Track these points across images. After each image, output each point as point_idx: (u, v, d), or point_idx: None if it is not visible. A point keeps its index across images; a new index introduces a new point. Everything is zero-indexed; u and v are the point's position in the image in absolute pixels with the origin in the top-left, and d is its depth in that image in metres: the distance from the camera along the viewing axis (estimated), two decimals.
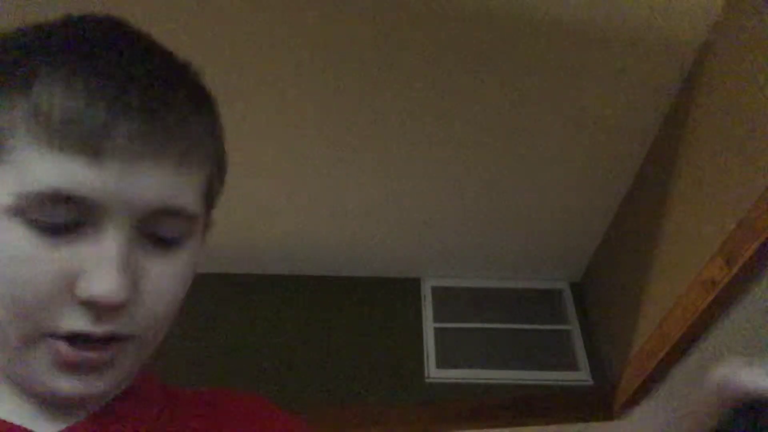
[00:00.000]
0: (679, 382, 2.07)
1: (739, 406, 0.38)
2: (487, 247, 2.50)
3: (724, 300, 1.70)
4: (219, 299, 2.42)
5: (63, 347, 0.44)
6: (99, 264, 0.43)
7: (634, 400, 2.17)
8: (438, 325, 2.50)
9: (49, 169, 0.42)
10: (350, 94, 1.88)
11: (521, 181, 2.21)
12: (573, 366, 2.44)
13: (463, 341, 2.48)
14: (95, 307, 0.44)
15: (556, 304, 2.63)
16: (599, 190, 2.27)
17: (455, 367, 2.40)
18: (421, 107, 1.93)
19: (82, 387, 0.46)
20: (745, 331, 1.83)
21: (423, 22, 1.69)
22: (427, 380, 2.36)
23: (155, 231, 0.46)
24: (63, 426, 0.50)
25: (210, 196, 0.52)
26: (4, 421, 0.49)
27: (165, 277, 0.47)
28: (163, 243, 0.47)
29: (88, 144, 0.42)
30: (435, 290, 2.61)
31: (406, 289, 2.60)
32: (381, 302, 2.56)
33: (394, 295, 2.58)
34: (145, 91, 0.44)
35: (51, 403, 0.50)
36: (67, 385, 0.45)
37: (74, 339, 0.44)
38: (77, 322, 0.44)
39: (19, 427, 0.48)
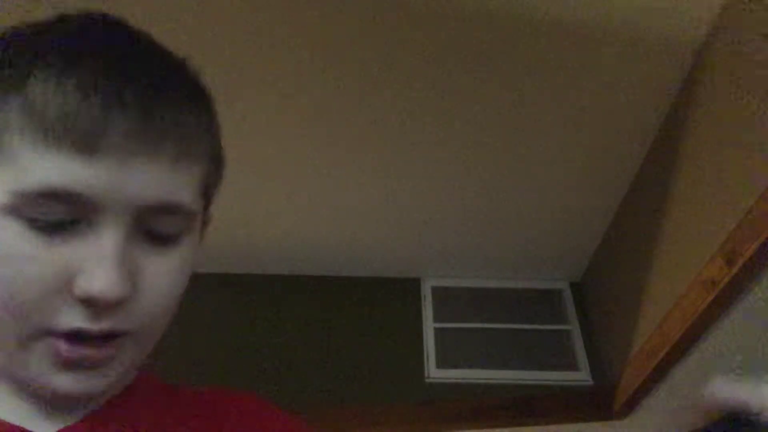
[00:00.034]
0: (679, 382, 2.07)
1: (723, 415, 0.41)
2: (487, 247, 2.50)
3: (724, 300, 1.70)
4: (219, 299, 2.42)
5: (62, 345, 0.44)
6: (96, 261, 0.43)
7: (634, 400, 2.17)
8: (438, 325, 2.50)
9: (44, 167, 0.42)
10: (350, 94, 1.88)
11: (521, 181, 2.21)
12: (573, 366, 2.44)
13: (463, 341, 2.48)
14: (93, 305, 0.44)
15: (556, 304, 2.63)
16: (599, 190, 2.27)
17: (455, 367, 2.40)
18: (421, 107, 1.93)
19: (81, 385, 0.46)
20: (745, 331, 1.83)
21: (423, 22, 1.69)
22: (427, 380, 2.36)
23: (152, 228, 0.46)
24: (61, 425, 0.50)
25: (207, 192, 0.52)
26: (2, 422, 0.49)
27: (162, 273, 0.47)
28: (160, 240, 0.47)
29: (84, 141, 0.42)
30: (435, 290, 2.61)
31: (406, 289, 2.60)
32: (381, 302, 2.55)
33: (394, 295, 2.58)
34: (140, 87, 0.44)
35: (50, 402, 0.50)
36: (66, 382, 0.45)
37: (73, 337, 0.44)
38: (75, 319, 0.44)
39: (17, 427, 0.48)
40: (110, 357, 0.46)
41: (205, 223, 0.55)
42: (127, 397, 0.54)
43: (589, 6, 1.66)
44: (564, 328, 2.54)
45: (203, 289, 2.39)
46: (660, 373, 2.02)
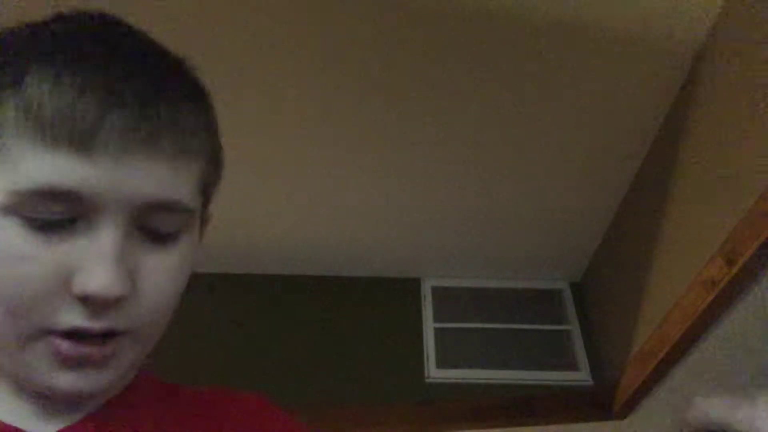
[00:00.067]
0: (679, 382, 2.07)
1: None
2: (487, 247, 2.50)
3: (724, 300, 1.70)
4: (219, 299, 2.42)
5: (61, 344, 0.44)
6: (94, 259, 0.43)
7: (634, 400, 2.17)
8: (438, 325, 2.50)
9: (41, 166, 0.42)
10: (350, 94, 1.88)
11: (521, 181, 2.21)
12: (573, 366, 2.44)
13: (463, 341, 2.48)
14: (92, 303, 0.43)
15: (556, 304, 2.63)
16: (599, 190, 2.27)
17: (455, 367, 2.40)
18: (421, 107, 1.93)
19: (81, 383, 0.46)
20: (745, 331, 1.83)
21: (423, 22, 1.69)
22: (427, 380, 2.36)
23: (151, 225, 0.46)
24: (61, 426, 0.50)
25: (206, 190, 0.52)
26: (1, 423, 0.49)
27: (161, 271, 0.47)
28: (159, 237, 0.47)
29: (80, 139, 0.42)
30: (435, 290, 2.61)
31: (406, 289, 2.60)
32: (381, 302, 2.56)
33: (394, 295, 2.58)
34: (137, 85, 0.44)
35: (50, 402, 0.50)
36: (66, 381, 0.45)
37: (72, 335, 0.44)
38: (75, 318, 0.44)
39: (15, 428, 0.48)
40: (110, 355, 0.46)
41: (204, 222, 0.55)
42: (127, 398, 0.54)
43: (589, 6, 1.66)
44: (564, 328, 2.54)
45: (203, 289, 2.40)
46: (660, 373, 2.02)
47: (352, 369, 2.35)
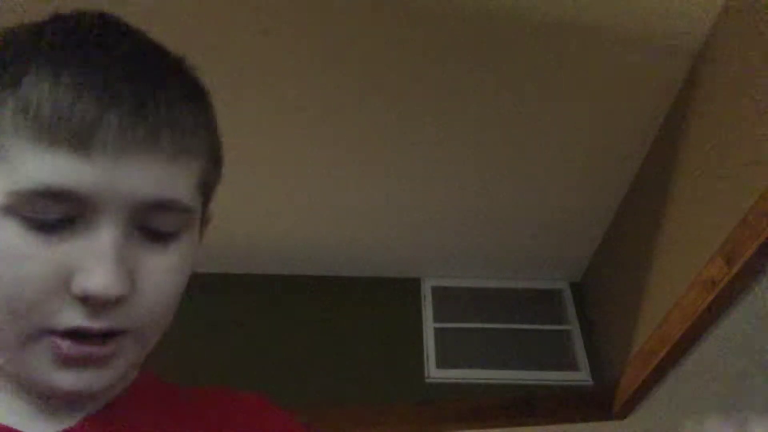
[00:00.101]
0: (679, 382, 2.07)
1: None
2: (487, 247, 2.50)
3: (724, 300, 1.70)
4: (219, 299, 2.42)
5: (62, 343, 0.44)
6: (93, 259, 0.43)
7: (634, 400, 2.17)
8: (438, 325, 2.50)
9: (39, 166, 0.42)
10: (350, 94, 1.88)
11: (521, 181, 2.21)
12: (573, 366, 2.44)
13: (463, 341, 2.48)
14: (91, 303, 0.44)
15: (556, 304, 2.63)
16: (599, 190, 2.27)
17: (455, 367, 2.40)
18: (421, 107, 1.93)
19: (82, 382, 0.46)
20: (745, 331, 1.83)
21: (423, 22, 1.69)
22: (427, 380, 2.36)
23: (150, 225, 0.46)
24: (60, 427, 0.50)
25: (206, 189, 0.51)
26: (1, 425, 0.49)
27: (161, 271, 0.47)
28: (158, 237, 0.47)
29: (78, 138, 0.42)
30: (435, 290, 2.61)
31: (406, 289, 2.60)
32: (381, 302, 2.55)
33: (394, 295, 2.57)
34: (135, 84, 0.44)
35: (50, 403, 0.50)
36: (67, 380, 0.45)
37: (73, 335, 0.44)
38: (75, 318, 0.44)
39: (15, 429, 0.48)
40: (111, 355, 0.46)
41: (205, 222, 0.55)
42: (128, 399, 0.54)
43: (589, 6, 1.66)
44: (564, 328, 2.54)
45: (203, 289, 2.39)
46: (660, 373, 2.02)
47: (352, 369, 2.35)
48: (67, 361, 0.45)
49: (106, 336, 0.45)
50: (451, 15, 1.67)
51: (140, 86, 0.44)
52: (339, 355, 2.39)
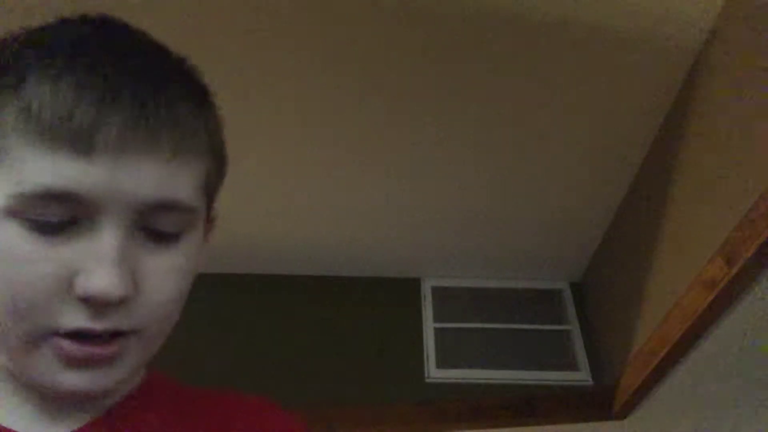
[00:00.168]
0: (679, 382, 2.07)
1: None
2: (487, 247, 2.50)
3: (724, 300, 1.70)
4: (219, 299, 2.42)
5: (66, 344, 0.44)
6: (96, 260, 0.43)
7: (634, 400, 2.17)
8: (438, 325, 2.50)
9: (41, 169, 0.42)
10: (350, 94, 1.88)
11: (521, 181, 2.21)
12: (573, 366, 2.44)
13: (463, 341, 2.48)
14: (94, 304, 0.44)
15: (556, 304, 2.63)
16: (599, 190, 2.27)
17: (455, 367, 2.40)
18: (421, 107, 1.93)
19: (87, 382, 0.46)
20: (745, 331, 1.83)
21: (423, 22, 1.69)
22: (427, 380, 2.36)
23: (153, 226, 0.46)
24: (66, 430, 0.50)
25: (209, 189, 0.51)
26: (5, 428, 0.49)
27: (165, 271, 0.47)
28: (161, 238, 0.47)
29: (78, 140, 0.42)
30: (435, 290, 2.61)
31: (406, 289, 2.60)
32: (381, 302, 2.55)
33: (394, 295, 2.57)
34: (135, 85, 0.44)
35: (55, 406, 0.50)
36: (72, 380, 0.45)
37: (77, 336, 0.44)
38: (78, 319, 0.44)
39: None
40: (115, 355, 0.46)
41: (210, 222, 0.55)
42: (135, 400, 0.54)
43: (590, 7, 1.66)
44: (564, 328, 2.54)
45: (203, 289, 2.39)
46: (660, 373, 2.02)
47: (352, 369, 2.35)
48: (72, 362, 0.45)
49: (110, 336, 0.45)
50: (451, 15, 1.67)
51: (141, 87, 0.44)
52: (339, 355, 2.39)
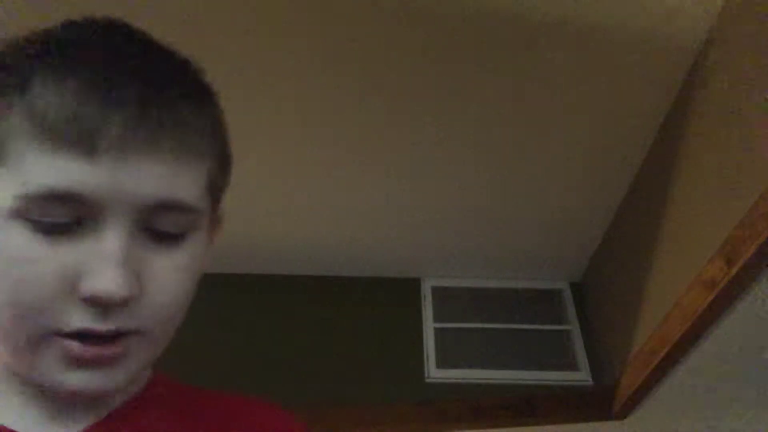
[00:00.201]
0: (679, 382, 2.07)
1: None
2: (487, 247, 2.50)
3: (724, 300, 1.70)
4: (218, 299, 2.42)
5: (71, 344, 0.44)
6: (100, 261, 0.43)
7: (634, 400, 2.17)
8: (438, 325, 2.50)
9: (46, 170, 0.43)
10: (350, 94, 1.88)
11: (521, 180, 2.21)
12: (573, 366, 2.44)
13: (463, 341, 2.48)
14: (99, 305, 0.44)
15: (556, 304, 2.63)
16: (599, 190, 2.27)
17: (455, 367, 2.40)
18: (421, 107, 1.93)
19: (92, 382, 0.46)
20: (745, 331, 1.83)
21: (423, 22, 1.69)
22: (427, 380, 2.36)
23: (156, 226, 0.46)
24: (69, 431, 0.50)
25: (213, 189, 0.52)
26: (8, 429, 0.49)
27: (169, 271, 0.47)
28: (165, 238, 0.47)
29: (83, 141, 0.42)
30: (435, 290, 2.61)
31: (406, 289, 2.60)
32: (381, 302, 2.55)
33: (394, 295, 2.57)
34: (138, 86, 0.44)
35: (61, 407, 0.50)
36: (77, 380, 0.46)
37: (81, 336, 0.44)
38: (82, 320, 0.44)
39: None
40: (120, 355, 0.46)
41: (215, 222, 0.55)
42: (138, 402, 0.54)
43: (590, 7, 1.66)
44: (564, 328, 2.54)
45: (203, 289, 2.39)
46: (660, 373, 2.02)
47: (352, 369, 2.35)
48: (76, 362, 0.45)
49: (114, 337, 0.45)
50: (451, 15, 1.67)
51: (143, 88, 0.44)
52: (339, 355, 2.39)
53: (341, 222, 2.38)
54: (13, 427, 0.49)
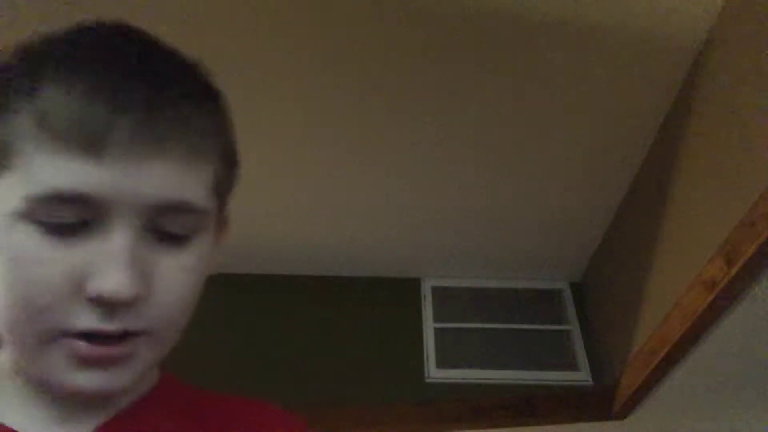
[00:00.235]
0: (679, 382, 2.07)
1: None
2: (487, 247, 2.50)
3: (724, 300, 1.70)
4: (218, 299, 2.42)
5: (78, 344, 0.45)
6: (107, 261, 0.44)
7: (634, 400, 2.17)
8: (438, 325, 2.50)
9: (54, 171, 0.43)
10: (350, 94, 1.88)
11: (521, 180, 2.21)
12: (573, 366, 2.44)
13: (463, 341, 2.48)
14: (105, 305, 0.44)
15: (556, 304, 2.63)
16: (599, 190, 2.27)
17: (455, 367, 2.40)
18: (422, 107, 1.93)
19: (99, 382, 0.46)
20: (745, 331, 1.83)
21: (423, 22, 1.69)
22: (427, 380, 2.36)
23: (163, 227, 0.47)
24: None
25: (219, 190, 0.52)
26: (15, 431, 0.49)
27: (175, 272, 0.47)
28: (172, 239, 0.47)
29: (90, 143, 0.43)
30: (435, 290, 2.61)
31: (406, 289, 2.60)
32: (381, 302, 2.55)
33: (394, 295, 2.57)
34: (146, 88, 0.45)
35: (68, 408, 0.50)
36: (84, 380, 0.46)
37: (88, 336, 0.45)
38: (89, 320, 0.44)
39: None
40: (126, 355, 0.46)
41: (221, 223, 0.56)
42: (146, 403, 0.54)
43: (590, 6, 1.66)
44: (564, 328, 2.54)
45: (203, 289, 2.39)
46: (660, 373, 2.02)
47: (352, 369, 2.35)
48: (83, 362, 0.45)
49: (121, 337, 0.46)
50: (451, 15, 1.67)
51: (150, 90, 0.45)
52: (339, 355, 2.39)
53: (341, 222, 2.38)
54: (21, 429, 0.49)
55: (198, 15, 1.63)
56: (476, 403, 2.27)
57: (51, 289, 0.44)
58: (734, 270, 1.60)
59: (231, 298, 2.47)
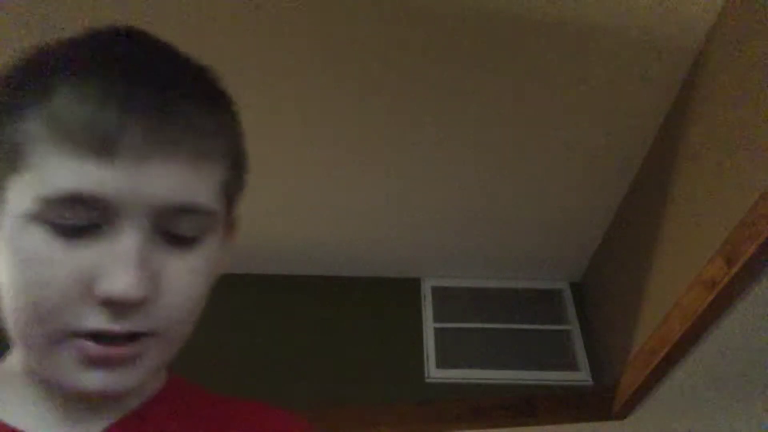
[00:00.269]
0: (679, 382, 2.07)
1: None
2: (487, 247, 2.50)
3: (724, 300, 1.70)
4: (218, 299, 2.42)
5: (87, 345, 0.45)
6: (116, 263, 0.44)
7: (634, 400, 2.17)
8: (438, 325, 2.50)
9: (65, 173, 0.43)
10: (350, 94, 1.88)
11: (521, 181, 2.21)
12: (573, 366, 2.44)
13: (463, 341, 2.48)
14: (114, 306, 0.45)
15: (556, 304, 2.63)
16: (599, 190, 2.27)
17: (455, 367, 2.40)
18: (422, 107, 1.93)
19: (106, 382, 0.46)
20: (745, 331, 1.83)
21: (423, 22, 1.69)
22: (427, 380, 2.36)
23: (172, 229, 0.47)
24: None
25: (228, 192, 0.52)
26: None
27: (184, 274, 0.48)
28: (181, 240, 0.48)
29: (101, 145, 0.43)
30: (435, 290, 2.61)
31: (406, 289, 2.60)
32: (381, 302, 2.55)
33: (394, 295, 2.58)
34: (157, 91, 0.45)
35: (76, 408, 0.50)
36: (93, 380, 0.46)
37: (97, 337, 0.45)
38: (98, 321, 0.45)
39: None
40: (135, 356, 0.47)
41: (230, 225, 0.56)
42: (154, 404, 0.55)
43: (589, 6, 1.66)
44: (564, 328, 2.54)
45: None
46: (660, 373, 2.02)
47: (352, 369, 2.35)
48: (91, 362, 0.46)
49: (130, 337, 0.46)
50: (451, 15, 1.67)
51: (162, 94, 0.45)
52: (339, 355, 2.39)
53: (341, 222, 2.38)
54: (30, 430, 0.50)
55: (198, 15, 1.63)
56: (476, 403, 2.27)
57: (61, 290, 0.44)
58: (734, 270, 1.60)
59: (231, 298, 2.47)
